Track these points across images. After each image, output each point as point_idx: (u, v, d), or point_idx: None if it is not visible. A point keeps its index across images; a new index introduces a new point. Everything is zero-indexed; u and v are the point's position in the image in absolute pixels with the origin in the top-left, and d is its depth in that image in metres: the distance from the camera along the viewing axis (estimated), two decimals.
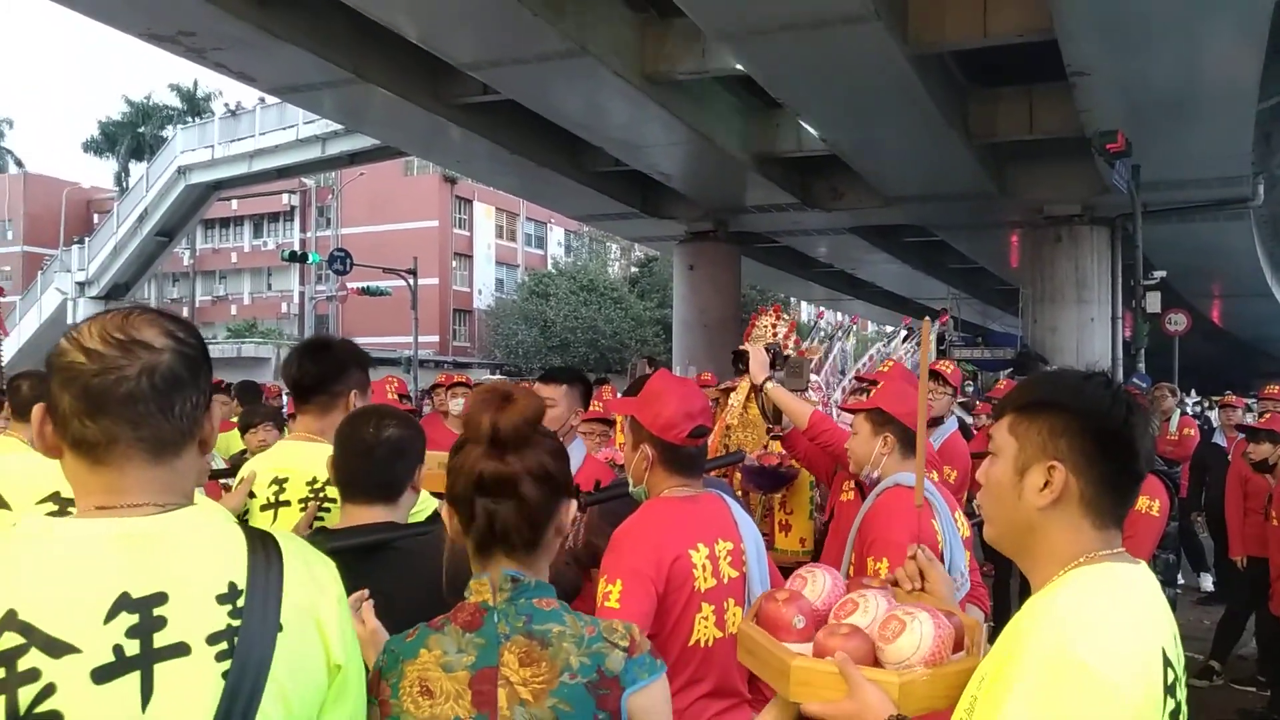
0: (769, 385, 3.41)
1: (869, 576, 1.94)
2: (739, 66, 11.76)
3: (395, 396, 5.57)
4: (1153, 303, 14.94)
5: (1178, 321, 19.08)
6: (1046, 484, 1.26)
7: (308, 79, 13.14)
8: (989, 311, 32.06)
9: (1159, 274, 15.84)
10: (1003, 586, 6.30)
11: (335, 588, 1.24)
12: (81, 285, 31.82)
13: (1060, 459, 1.26)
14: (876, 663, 1.39)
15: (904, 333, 5.51)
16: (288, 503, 2.34)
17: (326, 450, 2.14)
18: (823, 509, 3.60)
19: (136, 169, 38.99)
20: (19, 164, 48.31)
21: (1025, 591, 1.35)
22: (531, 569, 1.45)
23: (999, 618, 4.75)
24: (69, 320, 31.03)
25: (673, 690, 2.09)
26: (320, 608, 1.19)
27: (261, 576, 1.15)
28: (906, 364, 4.56)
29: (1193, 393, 17.16)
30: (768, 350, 3.52)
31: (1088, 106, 12.22)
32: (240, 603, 1.12)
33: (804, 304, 41.73)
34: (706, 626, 2.11)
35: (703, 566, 2.11)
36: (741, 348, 3.58)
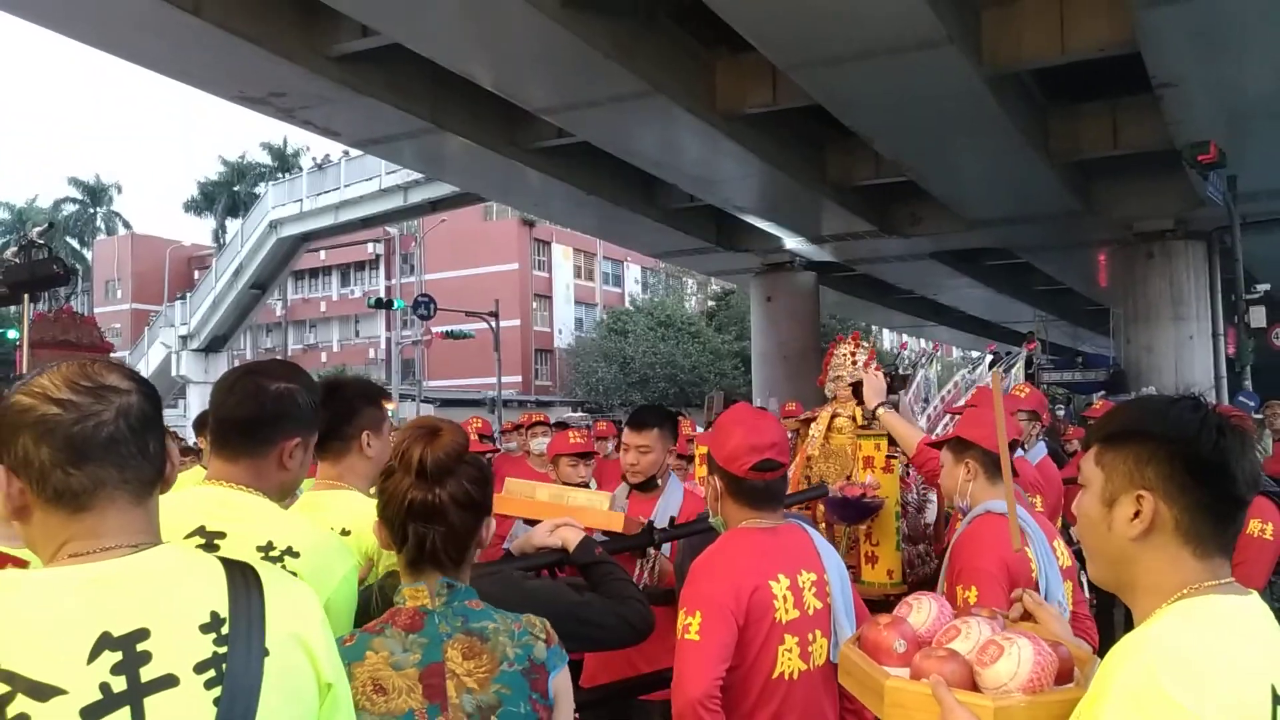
0: (881, 411, 3.43)
1: (977, 606, 1.88)
2: (811, 97, 11.74)
3: (477, 437, 5.62)
4: (1257, 317, 14.24)
5: None
6: (1136, 514, 1.22)
7: (388, 130, 13.60)
8: (1079, 333, 31.02)
9: (1262, 287, 15.10)
10: (1106, 616, 6.02)
11: (317, 612, 1.27)
12: (184, 339, 33.34)
13: (1149, 488, 1.21)
14: (974, 688, 1.36)
15: (989, 358, 5.36)
16: None
17: (344, 496, 2.21)
18: (911, 540, 3.51)
19: (232, 225, 40.86)
20: (127, 226, 51.11)
21: (1129, 624, 1.29)
22: (460, 577, 1.63)
23: (1104, 650, 4.53)
24: (174, 373, 32.53)
25: None
26: (305, 631, 1.22)
27: (243, 604, 1.17)
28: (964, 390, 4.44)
29: None
30: (886, 375, 3.55)
31: (1176, 118, 11.81)
32: (225, 630, 1.14)
33: (885, 331, 41.06)
34: (791, 659, 2.07)
35: (784, 598, 2.07)
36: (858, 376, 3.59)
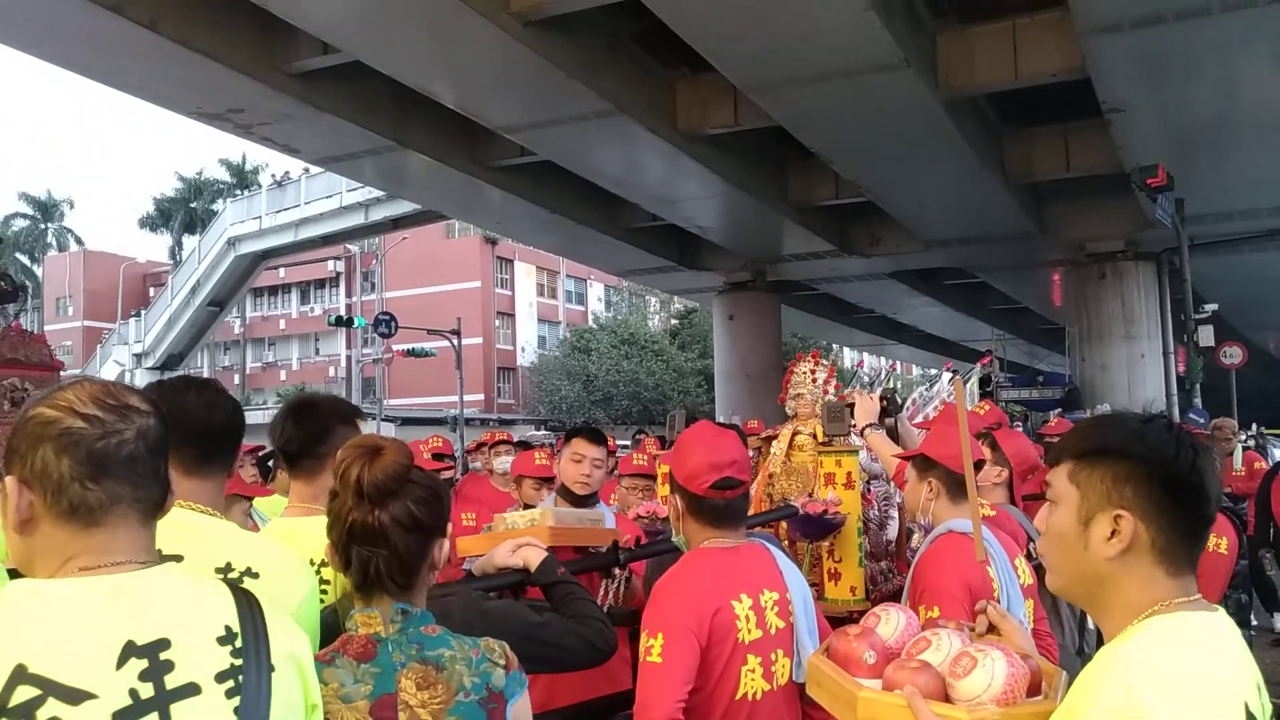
0: (868, 432, 3.45)
1: (942, 619, 1.90)
2: (771, 118, 11.88)
3: (430, 456, 5.31)
4: (1205, 336, 14.57)
5: (1233, 355, 18.58)
6: (1114, 533, 1.22)
7: (349, 148, 13.52)
8: (1035, 351, 31.56)
9: (1210, 307, 15.47)
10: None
11: (305, 637, 1.31)
12: (138, 357, 32.72)
13: (1127, 507, 1.22)
14: (946, 699, 1.37)
15: (947, 376, 5.43)
16: None
17: (321, 523, 2.13)
18: (874, 556, 3.54)
19: (189, 242, 40.26)
20: (79, 242, 50.14)
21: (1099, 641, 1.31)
22: (414, 602, 1.57)
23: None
24: None
25: None
26: (299, 653, 1.26)
27: (249, 621, 1.21)
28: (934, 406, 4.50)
29: (1253, 426, 16.63)
30: (882, 399, 3.58)
31: (1125, 142, 12.11)
32: (239, 644, 1.18)
33: (846, 350, 41.44)
34: (754, 679, 2.07)
35: (746, 618, 2.07)
36: (850, 398, 3.62)
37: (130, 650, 1.11)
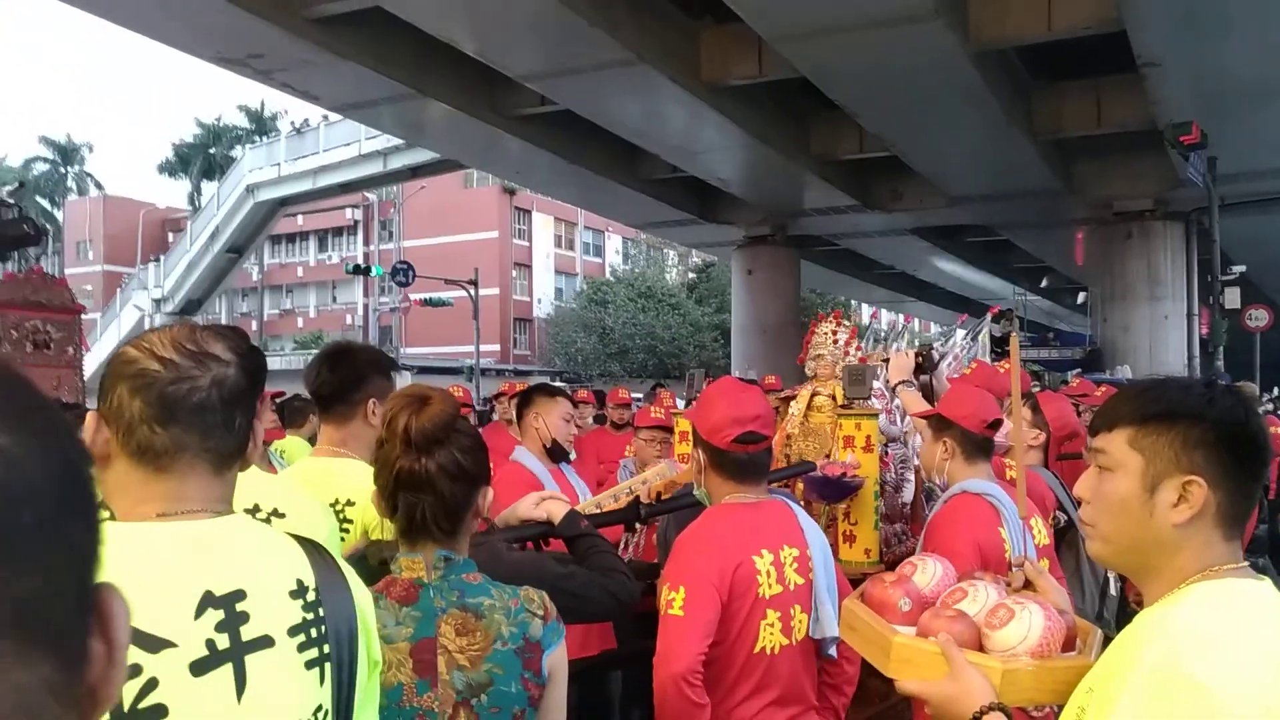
0: (901, 388, 3.47)
1: (986, 570, 1.90)
2: (796, 70, 11.67)
3: None
4: (1231, 299, 14.40)
5: (1259, 318, 18.35)
6: (1181, 499, 1.19)
7: (368, 95, 13.40)
8: (1056, 310, 31.28)
9: (1238, 269, 15.27)
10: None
11: (369, 593, 1.33)
12: (158, 302, 32.90)
13: (1198, 472, 1.19)
14: (980, 649, 1.37)
15: (960, 331, 5.35)
16: None
17: (348, 466, 2.16)
18: (888, 519, 3.54)
19: (208, 188, 40.24)
20: (99, 186, 50.24)
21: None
22: (457, 549, 1.59)
23: None
24: None
25: (740, 698, 2.09)
26: (368, 608, 1.27)
27: (327, 574, 1.22)
28: (963, 360, 4.43)
29: (1275, 389, 16.48)
30: (918, 355, 3.57)
31: (1159, 98, 11.85)
32: (310, 597, 1.18)
33: (864, 306, 41.24)
34: (772, 634, 2.09)
35: (767, 573, 2.08)
36: (884, 356, 3.64)
37: (208, 600, 1.11)
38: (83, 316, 9.75)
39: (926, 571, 1.63)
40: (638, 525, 2.66)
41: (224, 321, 40.65)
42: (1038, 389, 3.97)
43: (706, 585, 2.00)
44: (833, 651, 2.22)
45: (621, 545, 2.68)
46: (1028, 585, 1.62)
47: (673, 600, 1.99)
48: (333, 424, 2.32)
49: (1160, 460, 1.21)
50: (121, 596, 0.55)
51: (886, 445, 3.52)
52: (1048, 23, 10.69)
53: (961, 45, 10.57)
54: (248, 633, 1.12)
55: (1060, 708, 1.29)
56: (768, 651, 2.08)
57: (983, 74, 11.33)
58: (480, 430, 6.61)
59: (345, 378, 2.29)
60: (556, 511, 2.17)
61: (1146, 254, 16.42)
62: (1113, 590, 3.20)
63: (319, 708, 1.16)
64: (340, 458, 2.28)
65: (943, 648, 1.34)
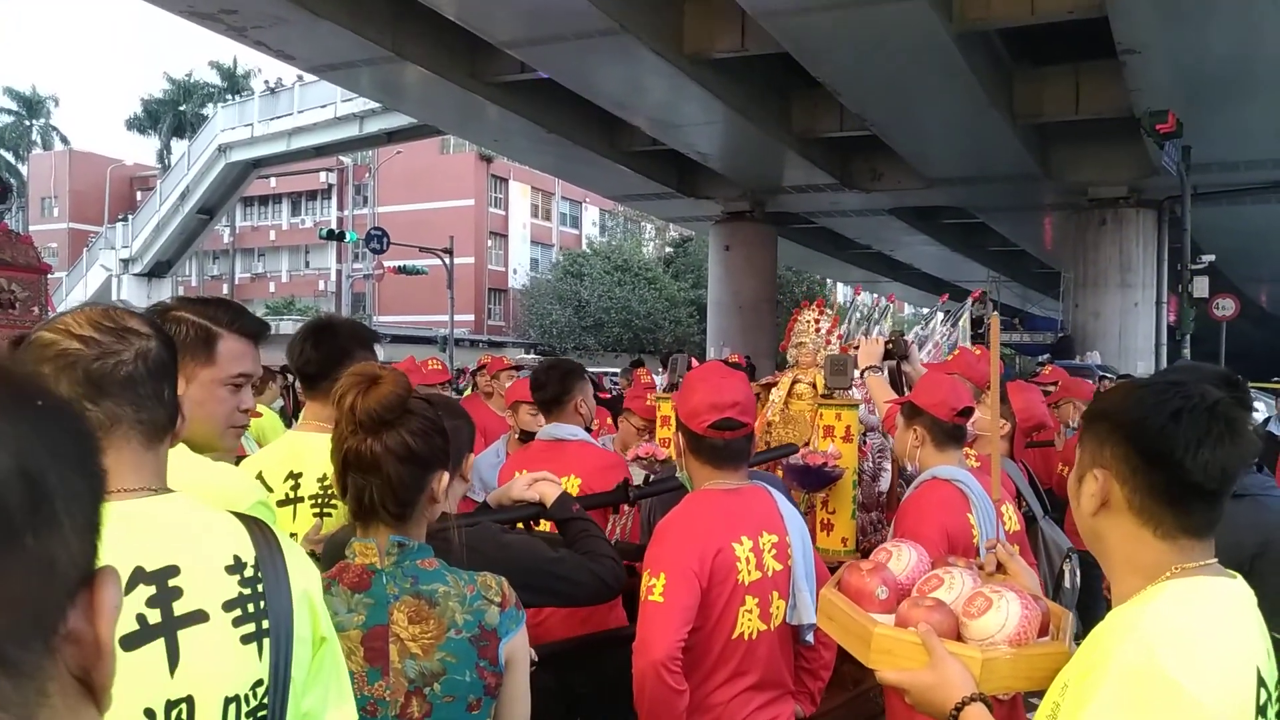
0: (869, 374, 3.49)
1: (955, 556, 1.92)
2: (780, 45, 11.60)
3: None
4: (1200, 287, 14.58)
5: (1225, 307, 18.61)
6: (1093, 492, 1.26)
7: (346, 57, 13.17)
8: (1029, 295, 31.59)
9: (1207, 258, 15.45)
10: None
11: (316, 572, 1.32)
12: (125, 262, 32.34)
13: (1104, 466, 1.25)
14: (958, 637, 1.39)
15: (940, 314, 5.36)
16: (302, 499, 2.32)
17: (328, 440, 2.13)
18: (865, 507, 3.56)
19: (178, 146, 39.47)
20: (64, 141, 49.09)
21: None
22: (411, 534, 1.55)
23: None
24: (114, 297, 31.60)
25: (717, 683, 2.10)
26: (312, 589, 1.26)
27: (267, 551, 1.21)
28: (944, 346, 4.44)
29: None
30: (887, 342, 3.62)
31: (1137, 85, 11.92)
32: (248, 573, 1.18)
33: (839, 285, 41.41)
34: (750, 619, 2.09)
35: (746, 559, 2.08)
36: (857, 342, 3.67)
37: (139, 576, 1.11)
38: (49, 276, 9.55)
39: (901, 558, 1.64)
40: (624, 507, 2.66)
41: (195, 284, 40.08)
42: (1006, 378, 4.00)
43: (686, 572, 2.00)
44: (810, 638, 2.23)
45: (609, 528, 2.67)
46: (1000, 569, 1.65)
47: (653, 586, 1.99)
48: (318, 401, 2.33)
49: (1086, 455, 1.29)
50: (116, 587, 0.56)
51: (865, 434, 3.54)
52: (1031, 6, 10.71)
53: (945, 26, 10.55)
54: (180, 607, 1.12)
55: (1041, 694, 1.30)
56: (746, 637, 2.08)
57: (966, 55, 11.33)
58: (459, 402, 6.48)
59: (328, 354, 2.30)
60: (549, 494, 2.15)
61: (1119, 241, 16.60)
62: (1067, 583, 3.22)
63: (258, 681, 1.16)
64: (324, 434, 2.26)
65: (923, 638, 1.35)
